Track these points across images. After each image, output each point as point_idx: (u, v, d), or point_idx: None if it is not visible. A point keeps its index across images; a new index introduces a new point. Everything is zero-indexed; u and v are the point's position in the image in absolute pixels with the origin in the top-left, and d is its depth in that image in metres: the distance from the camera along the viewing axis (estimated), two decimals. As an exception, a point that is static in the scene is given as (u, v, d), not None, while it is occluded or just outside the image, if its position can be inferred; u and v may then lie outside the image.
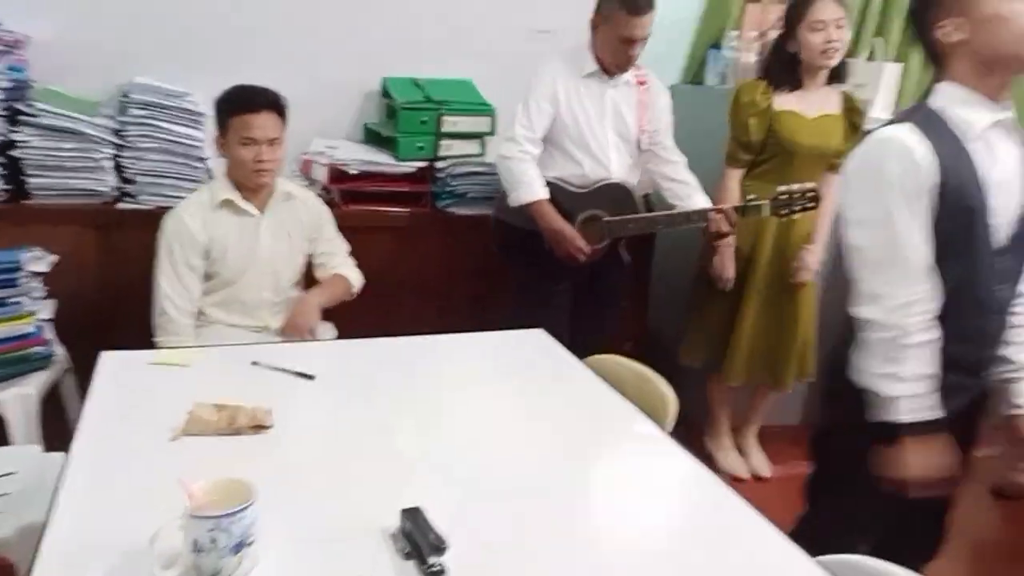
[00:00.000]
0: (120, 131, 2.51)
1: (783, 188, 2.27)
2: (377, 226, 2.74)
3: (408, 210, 2.80)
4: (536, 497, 1.23)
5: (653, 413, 1.58)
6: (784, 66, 2.43)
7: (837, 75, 2.47)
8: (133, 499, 1.14)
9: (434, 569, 1.01)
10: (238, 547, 0.96)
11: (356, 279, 2.33)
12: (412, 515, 1.09)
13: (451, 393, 1.64)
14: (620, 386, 1.67)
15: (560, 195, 2.42)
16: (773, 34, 2.66)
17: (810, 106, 2.45)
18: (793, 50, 2.40)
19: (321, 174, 2.78)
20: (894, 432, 1.42)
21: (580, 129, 2.42)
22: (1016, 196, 1.42)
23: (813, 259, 2.55)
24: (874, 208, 1.41)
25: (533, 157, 2.40)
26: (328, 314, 2.30)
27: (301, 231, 2.25)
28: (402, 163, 2.78)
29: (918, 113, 1.42)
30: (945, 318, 1.42)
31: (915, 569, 1.66)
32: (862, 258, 1.45)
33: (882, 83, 2.89)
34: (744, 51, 3.00)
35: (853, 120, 2.50)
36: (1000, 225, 1.41)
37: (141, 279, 2.18)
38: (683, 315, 2.80)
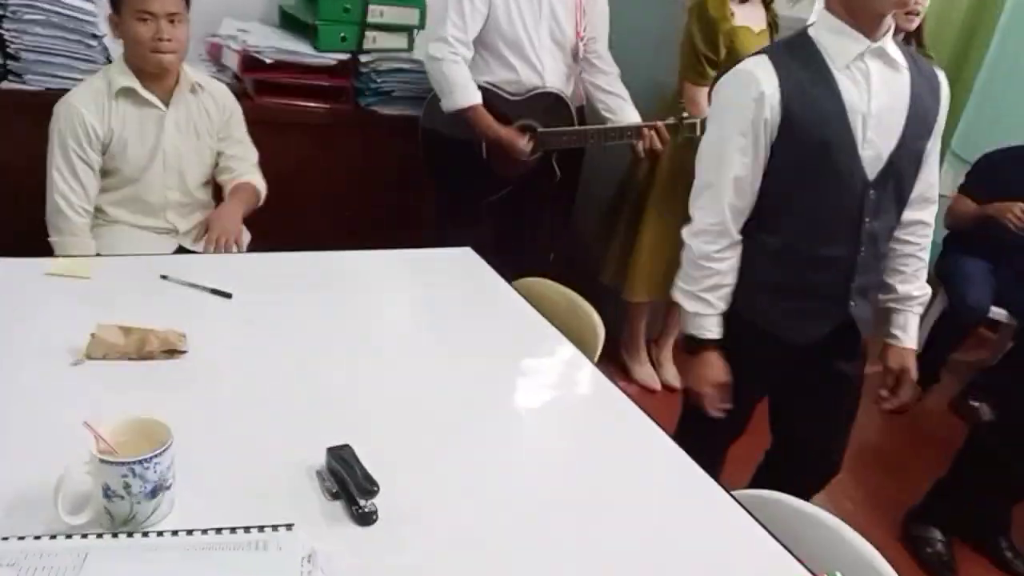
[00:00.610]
0: (-1, -1, 2.21)
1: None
2: (293, 122, 2.57)
3: (327, 106, 2.62)
4: (463, 432, 1.22)
5: (580, 339, 1.58)
6: None
7: None
8: (34, 433, 1.06)
9: (364, 511, 0.99)
10: (154, 492, 0.90)
11: (263, 189, 2.17)
12: (340, 452, 1.05)
13: (378, 317, 1.58)
14: (549, 311, 1.65)
15: (493, 101, 2.31)
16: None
17: (754, 22, 2.41)
18: None
19: (232, 60, 2.55)
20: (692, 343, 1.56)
21: (516, 32, 2.29)
22: (894, 128, 1.42)
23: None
24: (713, 133, 1.48)
25: (465, 60, 2.27)
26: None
27: (210, 127, 2.07)
28: (322, 54, 2.58)
29: (791, 41, 1.45)
30: (802, 246, 1.48)
31: (816, 483, 1.78)
32: (695, 179, 1.53)
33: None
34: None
35: (774, 36, 2.49)
36: (871, 156, 1.42)
37: (30, 170, 1.98)
38: (601, 233, 2.81)
